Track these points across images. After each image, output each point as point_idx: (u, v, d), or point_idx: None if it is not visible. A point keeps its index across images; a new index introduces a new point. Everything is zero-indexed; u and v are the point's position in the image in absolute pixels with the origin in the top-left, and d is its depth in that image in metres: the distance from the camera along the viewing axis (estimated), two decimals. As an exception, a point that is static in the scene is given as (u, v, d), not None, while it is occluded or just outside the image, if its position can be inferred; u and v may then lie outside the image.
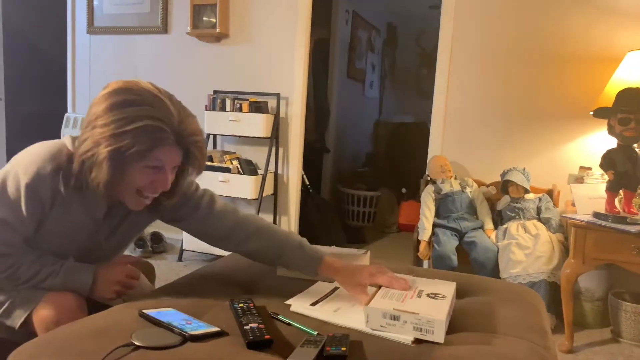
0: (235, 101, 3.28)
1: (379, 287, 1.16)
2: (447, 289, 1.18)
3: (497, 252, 2.57)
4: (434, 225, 2.75)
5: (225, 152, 3.40)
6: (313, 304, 1.17)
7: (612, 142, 2.26)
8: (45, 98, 4.42)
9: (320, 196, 4.41)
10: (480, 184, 2.92)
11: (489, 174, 2.96)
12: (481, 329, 1.10)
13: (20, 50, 4.32)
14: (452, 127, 3.05)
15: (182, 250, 3.26)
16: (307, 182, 3.69)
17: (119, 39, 3.78)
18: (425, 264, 2.81)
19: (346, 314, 1.12)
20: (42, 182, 1.11)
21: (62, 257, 1.21)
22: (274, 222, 3.47)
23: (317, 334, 1.02)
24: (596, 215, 2.20)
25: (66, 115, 3.82)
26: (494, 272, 2.54)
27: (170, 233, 3.53)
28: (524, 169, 2.71)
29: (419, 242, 2.75)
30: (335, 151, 4.97)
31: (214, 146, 3.55)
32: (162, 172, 1.12)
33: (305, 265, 1.26)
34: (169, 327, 0.99)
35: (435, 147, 3.08)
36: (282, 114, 3.38)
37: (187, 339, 0.96)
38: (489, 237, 2.66)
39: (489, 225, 2.74)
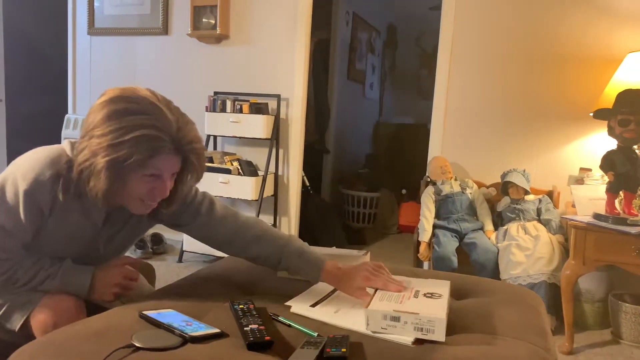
0: (236, 102, 3.28)
1: (376, 289, 1.17)
2: (443, 288, 1.18)
3: (497, 253, 2.57)
4: (434, 227, 2.75)
5: (226, 153, 3.40)
6: (313, 305, 1.17)
7: (612, 144, 2.26)
8: (46, 99, 4.43)
9: (320, 197, 4.41)
10: (480, 185, 2.92)
11: (489, 175, 2.96)
12: (481, 330, 1.10)
13: (21, 51, 4.33)
14: (452, 128, 3.06)
15: (182, 252, 3.27)
16: (308, 184, 3.70)
17: (120, 40, 3.78)
18: (426, 265, 2.81)
19: (346, 316, 1.12)
20: (40, 188, 1.10)
21: (61, 260, 1.21)
22: (274, 223, 3.47)
23: (317, 335, 1.02)
24: (596, 216, 2.20)
25: (66, 116, 3.82)
26: (494, 273, 2.54)
27: (171, 234, 3.53)
28: (524, 170, 2.72)
29: (419, 243, 2.75)
30: (336, 152, 4.97)
31: (215, 147, 3.55)
32: (160, 180, 1.11)
33: (306, 272, 1.26)
34: (169, 329, 0.99)
35: (435, 148, 3.08)
36: (282, 115, 3.38)
37: (187, 340, 0.96)
38: (489, 239, 2.66)
39: (489, 226, 2.74)
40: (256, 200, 3.19)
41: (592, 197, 2.33)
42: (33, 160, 1.12)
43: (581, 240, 2.18)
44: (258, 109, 3.25)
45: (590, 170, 2.57)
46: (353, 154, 5.44)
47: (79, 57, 3.94)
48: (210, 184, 3.19)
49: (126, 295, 1.27)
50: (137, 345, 0.92)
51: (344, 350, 0.93)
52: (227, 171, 3.22)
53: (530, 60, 2.88)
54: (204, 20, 3.44)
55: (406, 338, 1.01)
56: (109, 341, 0.94)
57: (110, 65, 3.83)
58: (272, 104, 3.34)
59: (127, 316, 1.06)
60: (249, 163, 3.29)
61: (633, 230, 2.06)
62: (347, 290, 1.22)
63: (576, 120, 2.79)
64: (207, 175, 3.22)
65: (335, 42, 4.75)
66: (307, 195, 3.68)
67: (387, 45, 6.17)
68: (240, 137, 3.34)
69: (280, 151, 3.43)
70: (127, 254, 1.40)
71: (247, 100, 3.28)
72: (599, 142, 2.70)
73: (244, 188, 3.18)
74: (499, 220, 2.76)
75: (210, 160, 3.32)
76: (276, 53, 3.38)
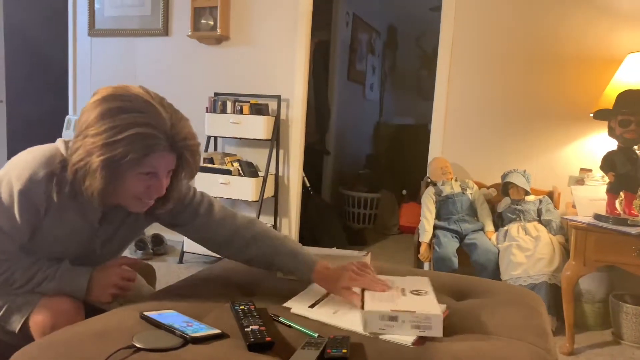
0: (236, 103, 3.28)
1: (363, 289, 1.18)
2: (425, 284, 1.22)
3: (498, 254, 2.57)
4: (435, 227, 2.75)
5: (226, 154, 3.40)
6: (311, 306, 1.17)
7: (612, 144, 2.26)
8: (47, 100, 4.43)
9: (320, 198, 4.41)
10: (480, 185, 2.92)
11: (489, 175, 2.96)
12: (482, 331, 1.10)
13: (21, 52, 4.33)
14: (453, 129, 3.06)
15: (182, 253, 3.27)
16: (308, 184, 3.70)
17: (120, 41, 3.79)
18: (426, 266, 2.81)
19: (345, 316, 1.12)
20: (35, 187, 1.10)
21: (59, 262, 1.20)
22: (275, 224, 3.47)
23: (318, 336, 1.02)
24: (597, 217, 2.20)
25: (67, 117, 3.83)
26: (495, 274, 2.53)
27: (171, 235, 3.53)
28: (524, 171, 2.72)
29: (419, 244, 2.75)
30: (336, 153, 4.97)
31: (215, 148, 3.55)
32: (156, 177, 1.11)
33: (298, 272, 1.27)
34: (170, 329, 0.99)
35: (435, 149, 3.09)
36: (282, 116, 3.38)
37: (188, 341, 0.96)
38: (490, 239, 2.66)
39: (489, 227, 2.74)
40: (256, 201, 3.19)
41: (592, 198, 2.33)
42: (27, 160, 1.12)
43: (582, 241, 2.18)
44: (258, 109, 3.25)
45: (590, 170, 2.58)
46: (353, 154, 5.45)
47: (80, 59, 3.94)
48: (211, 185, 3.19)
49: (124, 296, 1.26)
50: (138, 346, 0.92)
51: (344, 351, 0.93)
52: (228, 172, 3.22)
53: (530, 61, 2.88)
54: (204, 21, 3.45)
55: (406, 338, 1.01)
56: (110, 342, 0.94)
57: (110, 67, 3.83)
58: (272, 104, 3.34)
59: (128, 317, 1.06)
60: (250, 164, 3.29)
61: (633, 230, 2.06)
62: (334, 290, 1.23)
63: (576, 120, 2.80)
64: (207, 176, 3.22)
65: (335, 43, 4.75)
66: (308, 196, 3.68)
67: (387, 46, 6.18)
68: (240, 138, 3.34)
69: (281, 152, 3.43)
70: (126, 254, 1.41)
71: (248, 101, 3.29)
72: (599, 142, 2.70)
73: (244, 189, 3.18)
74: (499, 221, 2.76)
75: (211, 161, 3.32)
76: (276, 54, 3.38)
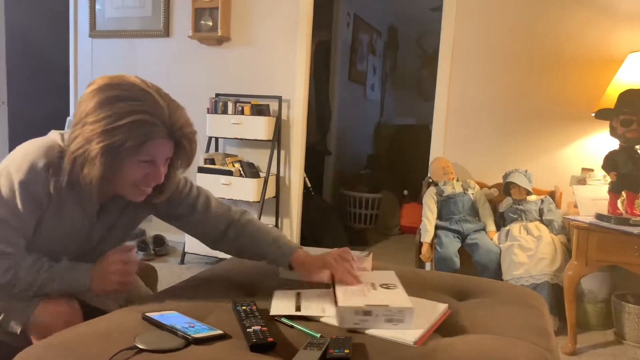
0: (237, 104, 3.28)
1: (333, 284, 1.21)
2: (392, 277, 1.26)
3: (500, 254, 2.57)
4: (436, 227, 2.75)
5: (227, 155, 3.41)
6: (298, 309, 1.15)
7: (614, 144, 2.26)
8: (48, 102, 4.43)
9: (322, 198, 4.41)
10: (482, 185, 2.92)
11: (491, 175, 2.96)
12: (484, 331, 1.10)
13: (23, 54, 4.34)
14: (454, 129, 3.06)
15: (184, 253, 3.27)
16: (309, 185, 3.70)
17: (121, 42, 3.79)
18: (428, 266, 2.81)
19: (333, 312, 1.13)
20: (36, 178, 1.09)
21: (58, 258, 1.19)
22: (276, 224, 3.47)
23: (320, 336, 1.02)
24: (599, 216, 2.19)
25: (68, 118, 3.83)
26: (497, 274, 2.53)
27: (173, 236, 3.53)
28: (526, 171, 2.71)
29: (421, 244, 2.74)
30: (337, 153, 4.97)
31: (216, 149, 3.55)
32: (154, 165, 1.12)
33: (278, 258, 1.31)
34: (172, 330, 0.99)
35: (437, 149, 3.08)
36: (283, 117, 3.38)
37: (190, 342, 0.96)
38: (491, 239, 2.66)
39: (491, 227, 2.74)
40: (258, 201, 3.19)
41: (594, 198, 2.33)
42: (25, 152, 1.11)
43: (584, 241, 2.18)
44: (259, 110, 3.25)
45: (592, 170, 2.57)
46: (354, 155, 5.45)
47: (81, 60, 3.95)
48: (212, 186, 3.19)
49: (128, 283, 1.23)
50: (140, 347, 0.92)
51: (347, 351, 0.93)
52: (229, 173, 3.22)
53: (531, 61, 2.88)
54: (205, 22, 3.45)
55: (409, 337, 1.01)
56: (112, 343, 0.94)
57: (111, 68, 3.84)
58: (273, 105, 3.34)
59: (130, 318, 1.06)
60: (251, 165, 3.29)
61: (635, 230, 2.05)
62: (310, 274, 1.28)
63: (578, 120, 2.79)
64: (209, 177, 3.22)
65: (336, 44, 4.75)
66: (309, 197, 3.68)
67: (388, 47, 6.18)
68: (241, 139, 3.34)
69: (282, 153, 3.43)
70: None
71: (249, 102, 3.29)
72: (601, 142, 2.70)
73: (245, 189, 3.18)
74: (501, 221, 2.76)
75: (212, 162, 3.32)
76: (277, 55, 3.38)
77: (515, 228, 2.60)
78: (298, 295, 1.22)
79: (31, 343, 1.09)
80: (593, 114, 2.33)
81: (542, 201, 2.67)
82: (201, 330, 0.99)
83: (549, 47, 2.84)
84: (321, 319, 1.11)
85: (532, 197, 2.69)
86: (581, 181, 2.53)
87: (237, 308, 1.11)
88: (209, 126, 3.32)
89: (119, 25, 3.77)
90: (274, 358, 0.94)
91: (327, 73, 4.73)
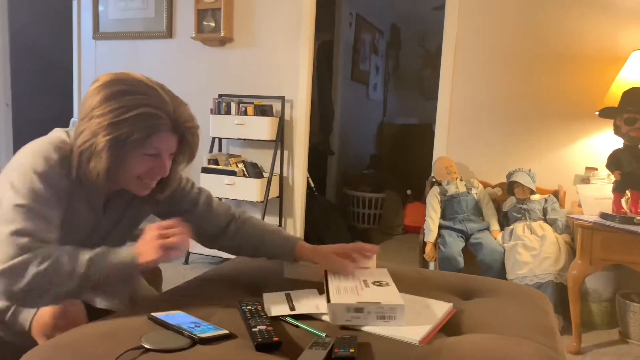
0: (240, 105, 3.29)
1: (326, 280, 1.22)
2: (384, 275, 1.26)
3: (504, 253, 2.57)
4: (440, 227, 2.74)
5: (231, 155, 3.41)
6: (292, 309, 1.15)
7: (618, 142, 2.25)
8: (52, 103, 4.45)
9: (325, 198, 4.42)
10: (485, 185, 2.91)
11: (494, 175, 2.95)
12: (489, 330, 1.10)
13: (27, 56, 4.36)
14: (457, 129, 3.05)
15: (188, 253, 3.27)
16: (313, 185, 3.70)
17: (124, 44, 3.80)
18: (432, 265, 2.81)
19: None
20: (53, 172, 1.09)
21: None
22: (280, 224, 3.47)
23: (325, 335, 1.02)
24: (603, 215, 2.19)
25: (72, 120, 3.85)
26: (501, 273, 2.53)
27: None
28: (529, 170, 2.71)
29: (424, 243, 2.74)
30: (340, 153, 4.98)
31: (220, 149, 3.56)
32: (159, 159, 1.14)
33: (281, 249, 1.34)
34: (178, 330, 1.00)
35: (440, 149, 3.08)
36: (286, 117, 3.39)
37: (196, 341, 0.96)
38: (495, 239, 2.65)
39: (494, 226, 2.73)
40: (261, 202, 3.20)
41: (598, 197, 2.33)
42: (36, 149, 1.11)
43: (588, 240, 2.17)
44: (262, 111, 3.26)
45: (596, 169, 2.57)
46: (357, 155, 5.45)
47: (84, 62, 3.96)
48: (216, 186, 3.20)
49: (173, 249, 1.11)
50: (146, 346, 0.93)
51: (352, 350, 0.93)
52: (233, 173, 3.23)
53: (534, 59, 2.87)
54: (207, 23, 3.45)
55: (414, 336, 1.01)
56: (118, 343, 0.94)
57: (115, 69, 3.78)
58: (276, 105, 3.34)
59: (135, 318, 1.07)
60: (254, 165, 3.30)
61: (640, 229, 2.05)
62: (325, 261, 1.30)
63: (581, 119, 2.79)
64: (212, 177, 3.23)
65: (338, 44, 4.75)
66: (312, 197, 3.69)
67: (390, 46, 6.18)
68: (245, 139, 3.35)
69: (285, 153, 3.43)
70: None
71: (252, 103, 3.29)
72: (605, 141, 2.69)
73: (249, 190, 3.19)
74: (504, 220, 2.75)
75: (216, 162, 3.33)
76: (280, 55, 3.38)
77: (519, 227, 2.60)
78: (288, 296, 1.22)
79: (37, 343, 1.10)
80: (597, 113, 2.33)
81: (546, 200, 2.66)
82: (207, 330, 1.00)
83: (552, 45, 2.83)
84: (322, 317, 1.11)
85: (536, 197, 2.68)
86: (585, 180, 2.53)
87: (243, 308, 1.12)
88: (212, 127, 3.33)
89: (122, 26, 3.78)
90: (280, 357, 0.94)
91: (330, 73, 4.73)
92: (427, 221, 2.77)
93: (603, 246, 2.15)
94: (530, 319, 1.18)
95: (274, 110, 3.31)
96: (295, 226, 3.46)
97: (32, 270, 1.01)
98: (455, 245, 2.61)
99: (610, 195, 2.23)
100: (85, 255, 1.07)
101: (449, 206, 2.78)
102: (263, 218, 3.31)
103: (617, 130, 2.19)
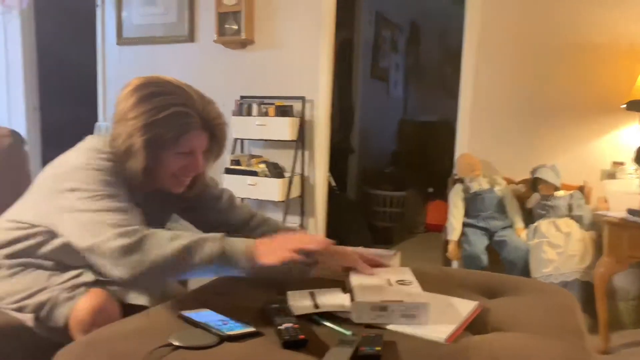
0: (262, 106, 3.32)
1: (349, 280, 1.21)
2: (407, 274, 1.26)
3: (528, 251, 2.53)
4: (463, 225, 2.72)
5: (253, 156, 3.44)
6: (316, 307, 1.15)
7: (646, 137, 2.21)
8: (77, 107, 4.56)
9: (346, 197, 4.42)
10: (509, 181, 2.88)
11: (518, 171, 2.91)
12: (516, 329, 1.09)
13: (53, 62, 4.46)
14: (479, 125, 3.02)
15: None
16: (334, 183, 3.71)
17: (147, 49, 3.86)
18: (455, 264, 2.79)
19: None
20: (107, 171, 1.14)
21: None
22: (302, 224, 3.49)
23: (352, 333, 1.03)
24: (631, 212, 2.15)
25: (97, 124, 3.94)
26: (525, 271, 2.50)
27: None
28: (554, 166, 2.67)
29: (447, 242, 2.73)
30: (360, 151, 4.97)
31: (242, 150, 3.59)
32: (192, 156, 1.20)
33: None
34: (206, 328, 1.02)
35: (462, 145, 3.06)
36: (307, 117, 3.40)
37: (224, 339, 0.98)
38: (520, 236, 2.62)
39: (519, 224, 2.70)
40: (283, 201, 3.22)
41: (626, 192, 2.28)
42: (82, 155, 1.17)
43: (615, 237, 2.14)
44: (283, 111, 3.28)
45: (623, 164, 2.52)
46: (378, 153, 5.43)
47: (109, 67, 4.04)
48: (239, 187, 3.23)
49: (305, 254, 1.08)
50: (175, 344, 0.95)
51: (378, 348, 0.93)
52: (254, 173, 3.26)
53: (557, 52, 2.82)
54: (228, 26, 3.49)
55: (440, 334, 1.01)
56: (148, 340, 0.97)
57: (138, 74, 3.80)
58: (297, 106, 3.36)
59: (165, 316, 1.09)
60: (276, 165, 3.33)
61: (670, 225, 2.00)
62: (343, 257, 1.29)
63: (608, 112, 2.73)
64: (235, 178, 3.27)
65: (358, 42, 4.75)
66: (334, 196, 3.69)
67: (410, 43, 6.14)
68: (266, 140, 3.37)
69: (306, 153, 3.45)
70: None
71: (273, 104, 3.32)
72: (632, 134, 2.63)
73: (271, 190, 3.22)
74: (529, 218, 2.72)
75: (238, 163, 3.37)
76: (301, 55, 3.40)
77: (543, 224, 2.56)
78: (312, 294, 1.23)
79: (71, 340, 1.13)
80: (623, 106, 2.28)
81: (571, 196, 2.62)
82: (234, 328, 1.02)
83: (576, 38, 2.78)
84: (346, 316, 1.11)
85: (561, 193, 2.64)
86: (612, 175, 2.48)
87: (269, 306, 1.13)
88: (234, 128, 3.36)
89: (145, 32, 3.84)
90: (306, 355, 0.95)
91: (350, 71, 4.73)
92: (450, 219, 2.75)
93: (631, 243, 2.11)
94: (557, 318, 1.17)
95: (294, 111, 3.33)
96: (317, 225, 3.47)
97: (154, 248, 1.03)
98: (479, 243, 2.59)
99: (638, 191, 2.19)
100: (198, 241, 1.05)
101: (472, 204, 2.76)
102: (285, 218, 3.33)
103: (645, 125, 2.15)
